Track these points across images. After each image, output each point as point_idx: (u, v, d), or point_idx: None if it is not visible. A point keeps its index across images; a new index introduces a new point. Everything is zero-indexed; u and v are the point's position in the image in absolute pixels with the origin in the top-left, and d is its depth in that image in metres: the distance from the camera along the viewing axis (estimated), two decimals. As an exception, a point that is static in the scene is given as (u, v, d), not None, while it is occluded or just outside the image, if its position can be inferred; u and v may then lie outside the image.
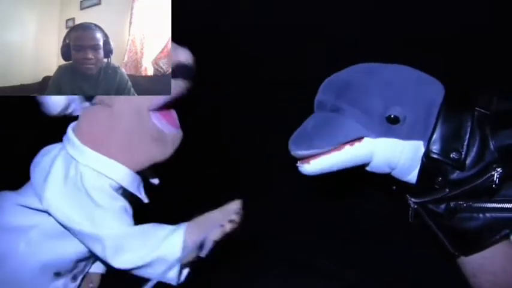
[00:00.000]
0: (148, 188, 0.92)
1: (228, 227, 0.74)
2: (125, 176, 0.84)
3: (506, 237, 0.82)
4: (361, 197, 1.29)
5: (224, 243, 0.76)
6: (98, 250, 0.78)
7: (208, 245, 0.75)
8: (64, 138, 0.87)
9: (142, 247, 0.75)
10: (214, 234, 0.75)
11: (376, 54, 0.91)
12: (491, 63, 1.32)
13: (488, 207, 0.81)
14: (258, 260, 1.10)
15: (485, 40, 1.32)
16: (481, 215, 0.82)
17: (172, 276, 0.76)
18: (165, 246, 0.74)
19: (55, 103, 0.85)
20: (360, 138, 0.82)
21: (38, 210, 0.82)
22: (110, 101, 0.83)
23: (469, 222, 0.82)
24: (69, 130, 0.87)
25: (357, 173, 0.92)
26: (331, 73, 0.90)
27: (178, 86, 0.83)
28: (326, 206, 1.33)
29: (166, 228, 0.77)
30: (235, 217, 0.75)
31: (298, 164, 0.86)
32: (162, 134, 0.85)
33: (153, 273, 0.74)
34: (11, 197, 0.87)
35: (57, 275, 0.87)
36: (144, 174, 0.90)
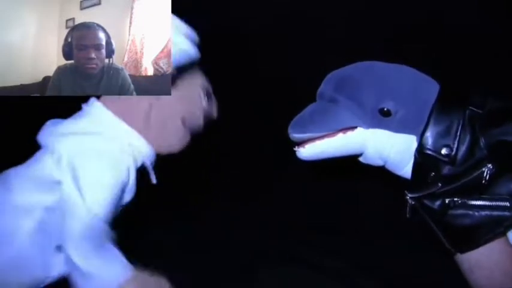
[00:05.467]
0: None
1: None
2: (150, 155, 0.87)
3: (501, 234, 0.83)
4: (368, 196, 1.29)
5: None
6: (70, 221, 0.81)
7: None
8: (86, 110, 0.87)
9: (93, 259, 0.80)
10: None
11: (375, 53, 0.92)
12: (487, 62, 1.32)
13: (482, 205, 0.83)
14: (263, 259, 1.10)
15: (483, 39, 1.32)
16: (476, 213, 0.83)
17: None
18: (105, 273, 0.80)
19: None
20: (353, 128, 0.87)
21: (50, 182, 0.83)
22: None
23: (464, 219, 0.84)
24: (96, 102, 0.87)
25: (365, 172, 0.93)
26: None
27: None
28: (331, 206, 1.33)
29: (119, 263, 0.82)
30: None
31: (295, 148, 0.91)
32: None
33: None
34: (19, 173, 0.86)
35: (59, 248, 0.86)
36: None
